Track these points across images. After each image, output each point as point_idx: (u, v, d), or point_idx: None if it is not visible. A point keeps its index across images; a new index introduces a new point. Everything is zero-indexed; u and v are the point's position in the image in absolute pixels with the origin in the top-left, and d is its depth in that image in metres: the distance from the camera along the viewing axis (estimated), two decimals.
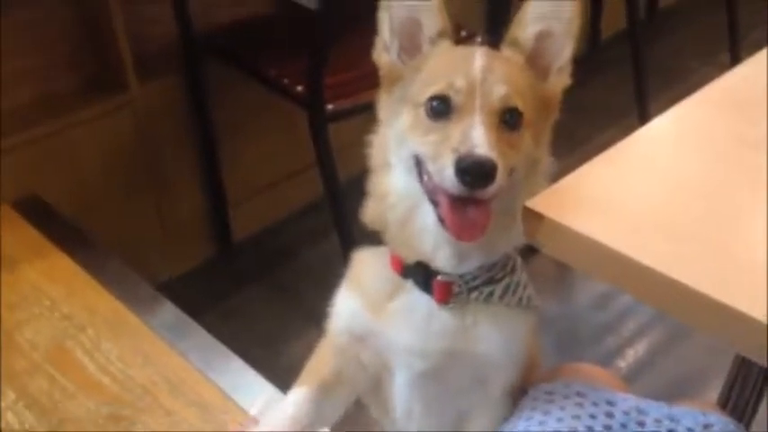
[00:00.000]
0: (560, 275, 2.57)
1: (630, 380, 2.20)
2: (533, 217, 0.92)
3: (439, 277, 1.05)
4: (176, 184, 2.45)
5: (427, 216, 1.02)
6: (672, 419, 1.05)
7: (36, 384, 1.40)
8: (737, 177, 0.98)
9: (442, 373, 1.10)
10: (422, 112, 0.99)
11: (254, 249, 2.69)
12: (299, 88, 2.06)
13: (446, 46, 1.05)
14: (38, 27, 2.08)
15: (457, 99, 0.97)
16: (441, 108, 0.98)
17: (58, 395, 1.38)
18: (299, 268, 2.61)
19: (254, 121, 2.54)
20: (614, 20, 3.42)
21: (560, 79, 1.07)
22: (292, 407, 1.13)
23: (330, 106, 2.05)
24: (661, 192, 0.96)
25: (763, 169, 0.96)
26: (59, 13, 2.12)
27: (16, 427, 1.32)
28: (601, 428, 1.03)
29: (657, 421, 1.05)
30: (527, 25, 1.04)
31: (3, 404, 1.36)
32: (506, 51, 1.05)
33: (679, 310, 0.84)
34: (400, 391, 1.14)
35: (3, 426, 1.32)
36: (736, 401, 1.38)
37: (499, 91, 0.97)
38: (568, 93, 1.08)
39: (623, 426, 1.04)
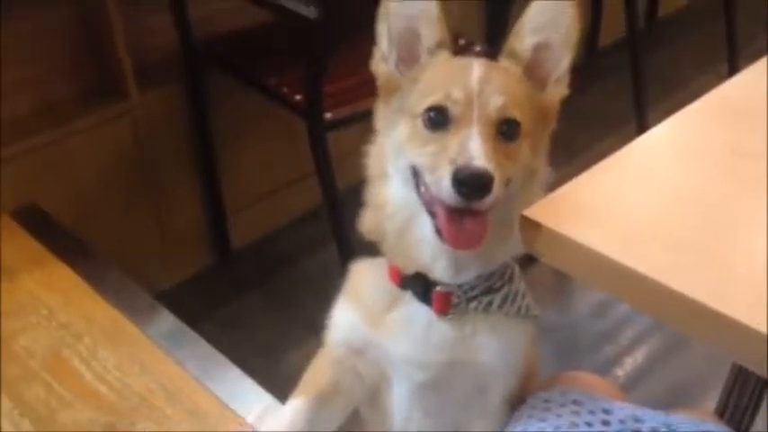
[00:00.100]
0: (559, 284, 2.57)
1: (629, 388, 2.20)
2: (531, 226, 0.92)
3: (437, 288, 1.05)
4: (175, 193, 2.45)
5: (425, 227, 1.02)
6: (669, 428, 1.05)
7: (33, 392, 1.40)
8: (735, 186, 0.98)
9: (441, 384, 1.10)
10: (419, 122, 0.99)
11: (253, 258, 2.68)
12: (298, 97, 2.06)
13: (444, 57, 1.05)
14: (38, 36, 2.09)
15: (454, 110, 0.97)
16: (438, 119, 0.98)
17: (55, 403, 1.37)
18: (298, 276, 2.61)
19: (254, 129, 2.54)
20: (613, 28, 3.43)
21: (558, 90, 1.07)
22: (289, 416, 1.13)
23: (329, 115, 2.05)
24: (659, 200, 0.96)
25: (760, 178, 0.97)
26: (59, 22, 2.12)
27: None
28: None
29: (654, 430, 1.04)
30: (525, 36, 1.04)
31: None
32: (504, 62, 1.05)
33: (677, 320, 0.84)
34: (399, 401, 1.14)
35: None
36: (734, 410, 1.38)
37: (496, 102, 0.97)
38: (567, 101, 1.08)
39: None
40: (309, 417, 1.13)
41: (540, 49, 1.04)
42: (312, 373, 1.17)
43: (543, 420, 1.05)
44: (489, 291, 1.06)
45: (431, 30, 1.05)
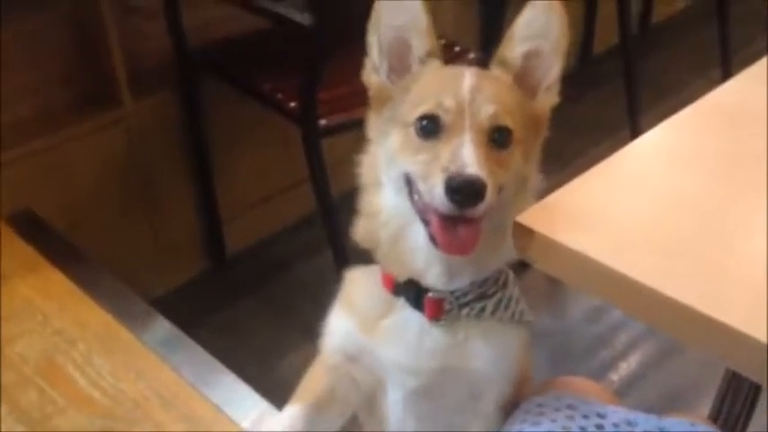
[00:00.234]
0: (552, 290, 2.57)
1: (623, 393, 2.20)
2: (524, 232, 0.93)
3: (430, 294, 1.05)
4: (170, 199, 2.45)
5: (418, 234, 1.02)
6: (662, 431, 1.05)
7: (27, 398, 1.39)
8: (729, 191, 0.98)
9: (434, 390, 1.11)
10: (411, 131, 1.00)
11: (248, 263, 2.68)
12: (293, 104, 2.07)
13: (435, 66, 1.06)
14: (32, 43, 2.09)
15: (446, 118, 0.98)
16: (430, 127, 0.98)
17: (49, 409, 1.37)
18: (293, 282, 2.61)
19: (248, 135, 2.54)
20: (607, 35, 3.44)
21: (549, 98, 1.07)
22: (287, 422, 1.13)
23: (323, 121, 2.05)
24: (651, 206, 0.96)
25: (754, 183, 0.97)
26: (54, 29, 2.12)
27: None
28: None
29: None
30: (515, 45, 1.05)
31: None
32: (495, 70, 1.06)
33: (670, 325, 0.84)
34: (393, 407, 1.15)
35: None
36: (728, 415, 1.39)
37: (488, 110, 0.98)
38: (560, 108, 1.08)
39: None
40: (306, 423, 1.13)
41: (530, 57, 1.05)
42: (308, 381, 1.17)
43: (537, 425, 1.06)
44: (482, 297, 1.06)
45: (421, 39, 1.05)
